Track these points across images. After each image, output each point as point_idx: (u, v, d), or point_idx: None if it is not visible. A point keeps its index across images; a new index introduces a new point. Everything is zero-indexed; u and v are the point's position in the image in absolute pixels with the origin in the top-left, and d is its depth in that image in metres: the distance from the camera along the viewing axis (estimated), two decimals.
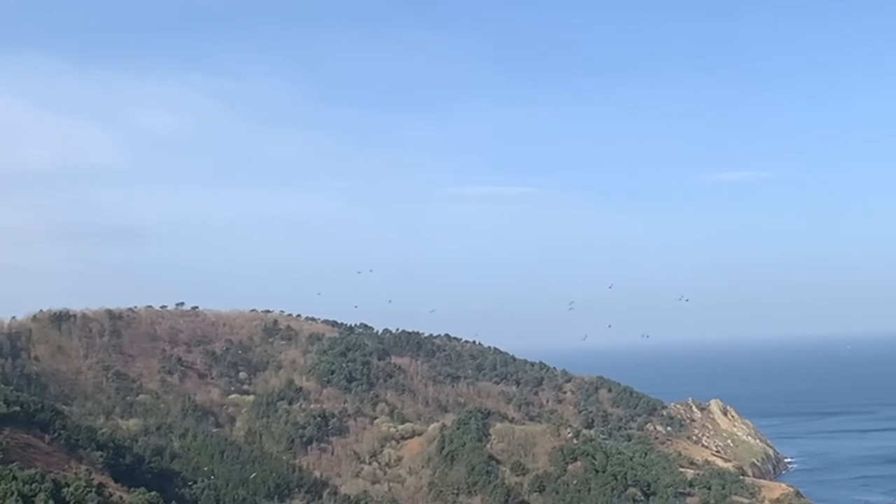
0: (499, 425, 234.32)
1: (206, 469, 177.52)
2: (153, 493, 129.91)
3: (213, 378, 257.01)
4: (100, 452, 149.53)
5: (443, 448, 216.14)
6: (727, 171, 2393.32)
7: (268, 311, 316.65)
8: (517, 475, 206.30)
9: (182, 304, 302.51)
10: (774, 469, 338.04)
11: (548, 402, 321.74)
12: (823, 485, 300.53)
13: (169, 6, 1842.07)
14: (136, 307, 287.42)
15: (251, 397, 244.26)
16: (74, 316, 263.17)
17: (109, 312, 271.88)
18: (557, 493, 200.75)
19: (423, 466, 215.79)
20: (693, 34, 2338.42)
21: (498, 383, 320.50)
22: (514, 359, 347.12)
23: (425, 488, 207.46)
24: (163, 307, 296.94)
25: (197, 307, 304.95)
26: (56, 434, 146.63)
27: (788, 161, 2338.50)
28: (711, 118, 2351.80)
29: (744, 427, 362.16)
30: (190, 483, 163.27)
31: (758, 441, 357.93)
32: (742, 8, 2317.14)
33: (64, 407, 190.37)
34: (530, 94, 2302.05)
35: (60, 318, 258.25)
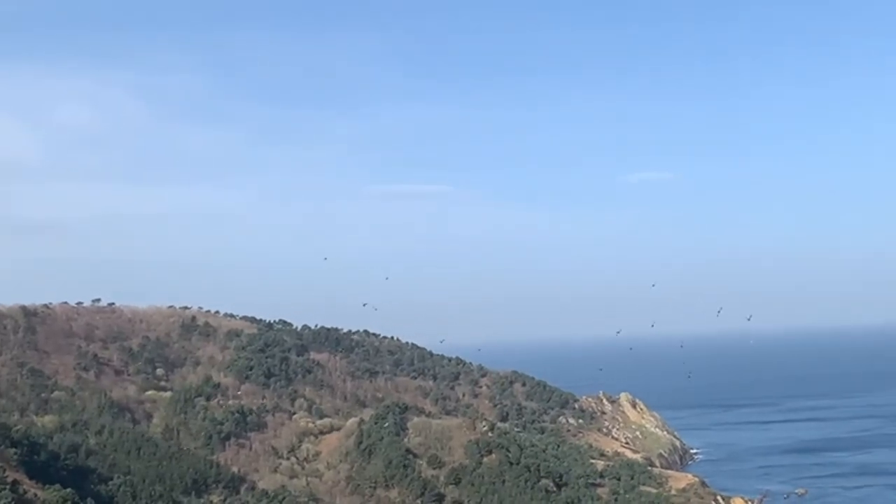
0: (416, 420, 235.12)
1: (122, 466, 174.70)
2: (69, 490, 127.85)
3: (129, 375, 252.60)
4: (14, 450, 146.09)
5: (360, 442, 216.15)
6: (635, 172, 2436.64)
7: (186, 308, 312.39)
8: (434, 468, 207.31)
9: (98, 300, 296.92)
10: (681, 460, 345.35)
11: (464, 396, 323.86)
12: (727, 474, 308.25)
13: (84, 3, 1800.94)
14: (51, 304, 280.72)
15: (168, 394, 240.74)
16: None
17: (24, 309, 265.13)
18: (473, 485, 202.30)
19: (340, 461, 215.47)
20: (604, 39, 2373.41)
21: (415, 378, 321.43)
22: (431, 354, 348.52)
23: (343, 482, 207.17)
24: (79, 304, 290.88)
25: (113, 304, 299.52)
26: None
27: (688, 163, 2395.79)
28: (619, 121, 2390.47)
29: (652, 419, 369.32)
30: (106, 480, 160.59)
31: (665, 433, 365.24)
32: (646, 15, 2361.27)
33: None
34: (448, 95, 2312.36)
35: None
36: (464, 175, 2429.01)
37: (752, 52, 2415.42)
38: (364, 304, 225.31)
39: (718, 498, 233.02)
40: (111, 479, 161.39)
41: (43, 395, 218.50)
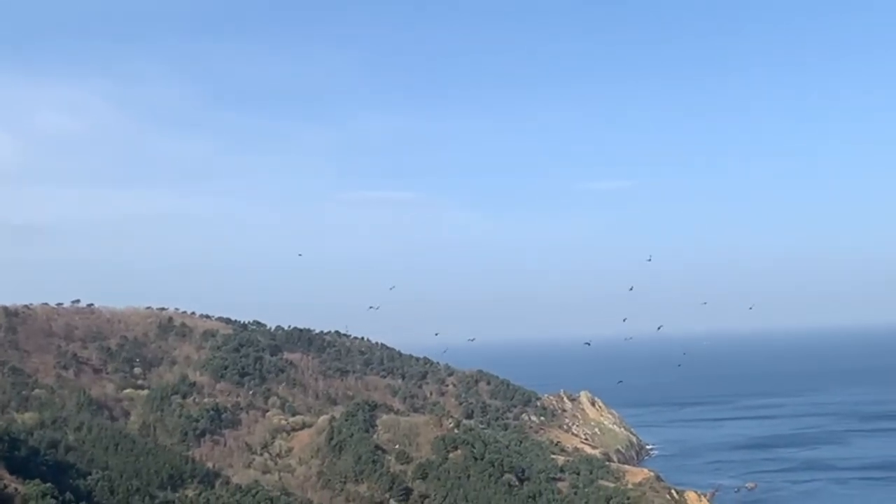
0: (385, 417, 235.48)
1: (100, 461, 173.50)
2: (48, 485, 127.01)
3: (108, 373, 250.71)
4: None
5: (331, 439, 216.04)
6: (598, 180, 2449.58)
7: (163, 309, 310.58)
8: (402, 463, 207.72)
9: (78, 301, 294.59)
10: (637, 455, 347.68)
11: (431, 394, 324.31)
12: (681, 469, 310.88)
13: (67, 13, 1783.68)
14: (31, 304, 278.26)
15: (146, 392, 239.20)
16: None
17: (5, 309, 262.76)
18: (439, 479, 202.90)
19: (312, 456, 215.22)
20: (567, 53, 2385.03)
21: (385, 377, 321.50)
22: (400, 354, 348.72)
23: (314, 477, 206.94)
24: (59, 304, 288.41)
25: (93, 304, 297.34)
26: None
27: (648, 172, 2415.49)
28: (585, 130, 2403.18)
29: (610, 416, 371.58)
30: (85, 475, 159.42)
31: (622, 429, 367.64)
32: (608, 30, 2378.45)
33: None
34: (418, 106, 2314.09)
35: None
36: (433, 182, 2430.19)
37: (718, 63, 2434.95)
38: (371, 307, 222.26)
39: (672, 492, 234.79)
40: (90, 473, 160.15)
41: (23, 392, 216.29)
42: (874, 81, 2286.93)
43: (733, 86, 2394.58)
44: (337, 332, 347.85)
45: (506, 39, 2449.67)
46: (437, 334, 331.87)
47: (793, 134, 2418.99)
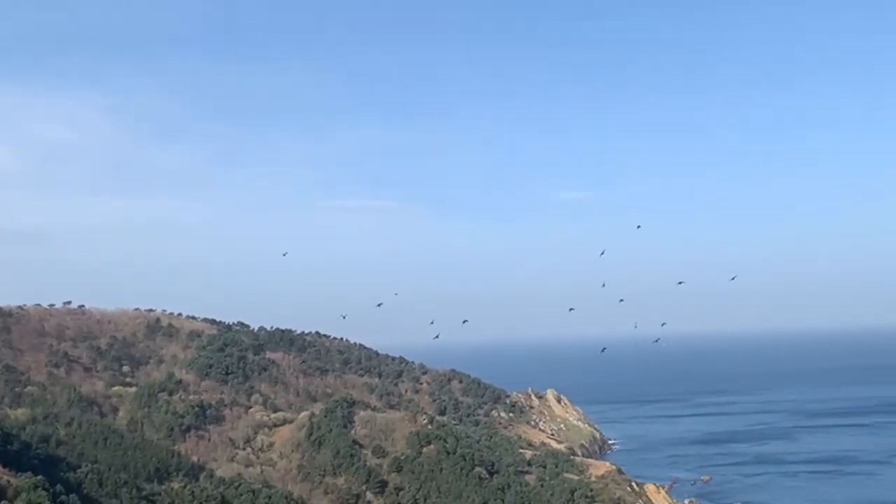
0: (362, 413, 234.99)
1: (90, 455, 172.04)
2: (39, 478, 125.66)
3: (97, 371, 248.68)
4: None
5: (311, 434, 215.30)
6: (565, 190, 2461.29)
7: (151, 310, 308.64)
8: (378, 458, 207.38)
9: (69, 302, 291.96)
10: (600, 450, 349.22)
11: (406, 392, 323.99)
12: (640, 463, 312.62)
13: (64, 28, 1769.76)
14: (25, 305, 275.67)
15: (134, 389, 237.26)
16: None
17: (0, 310, 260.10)
18: (413, 472, 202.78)
19: (293, 451, 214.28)
20: (536, 72, 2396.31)
21: (362, 376, 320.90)
22: (377, 354, 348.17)
23: (294, 470, 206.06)
24: (51, 305, 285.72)
25: (83, 306, 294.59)
26: None
27: (609, 183, 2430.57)
28: (553, 145, 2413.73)
29: (575, 413, 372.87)
30: (75, 468, 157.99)
31: (586, 425, 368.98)
32: (571, 52, 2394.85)
33: None
34: (396, 119, 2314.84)
35: None
36: (410, 192, 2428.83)
37: (676, 82, 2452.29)
38: (379, 304, 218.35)
39: (633, 484, 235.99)
40: (79, 467, 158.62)
41: (16, 389, 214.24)
42: (817, 101, 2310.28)
43: (689, 105, 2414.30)
44: (317, 332, 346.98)
45: (476, 58, 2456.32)
46: (432, 322, 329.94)
47: (743, 149, 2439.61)
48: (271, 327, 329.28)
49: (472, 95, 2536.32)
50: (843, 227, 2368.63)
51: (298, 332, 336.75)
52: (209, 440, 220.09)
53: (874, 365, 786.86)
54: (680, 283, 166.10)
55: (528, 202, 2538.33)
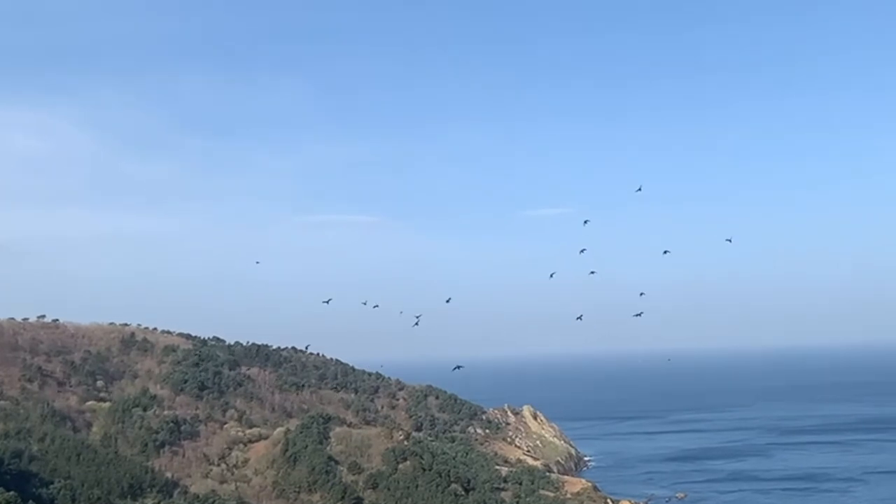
0: (338, 429, 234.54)
1: (63, 471, 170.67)
2: (12, 493, 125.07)
3: (71, 386, 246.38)
4: None
5: (286, 450, 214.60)
6: (539, 208, 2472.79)
7: (125, 324, 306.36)
8: (353, 474, 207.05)
9: (43, 316, 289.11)
10: (576, 466, 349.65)
11: (383, 408, 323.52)
12: (616, 480, 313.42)
13: (40, 41, 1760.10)
14: None
15: (107, 404, 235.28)
16: None
17: None
18: (389, 489, 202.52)
19: (267, 467, 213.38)
20: (507, 94, 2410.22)
21: (338, 391, 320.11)
22: (353, 369, 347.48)
23: (269, 487, 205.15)
24: (25, 319, 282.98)
25: (58, 320, 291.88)
26: None
27: (582, 200, 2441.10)
28: (533, 160, 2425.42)
29: (551, 429, 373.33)
30: (47, 484, 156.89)
31: (562, 442, 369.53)
32: (543, 73, 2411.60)
33: None
34: (370, 135, 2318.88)
35: None
36: (387, 207, 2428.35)
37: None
38: (364, 303, 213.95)
39: (608, 501, 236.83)
40: (52, 483, 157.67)
41: None
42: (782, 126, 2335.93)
43: (656, 128, 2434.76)
44: (293, 347, 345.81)
45: (456, 73, 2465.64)
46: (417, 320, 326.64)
47: (712, 172, 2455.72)
48: (247, 342, 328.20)
49: (451, 110, 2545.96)
50: (817, 246, 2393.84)
51: (274, 347, 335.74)
52: (183, 456, 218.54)
53: (848, 382, 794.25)
54: (641, 294, 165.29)
55: (507, 218, 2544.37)
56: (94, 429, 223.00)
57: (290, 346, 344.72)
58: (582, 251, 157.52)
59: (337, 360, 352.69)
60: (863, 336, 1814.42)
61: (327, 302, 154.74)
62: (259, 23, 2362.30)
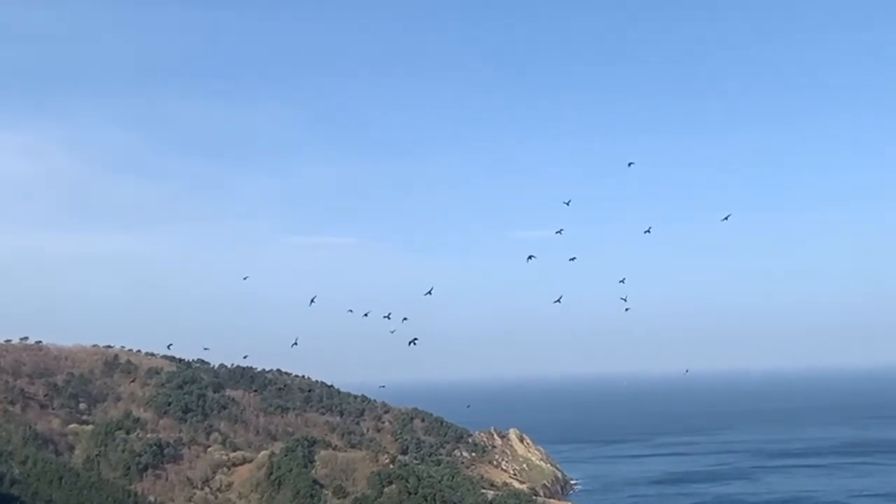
0: (323, 452, 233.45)
1: (45, 494, 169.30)
2: None
3: (54, 409, 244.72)
4: None
5: (271, 474, 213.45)
6: (525, 229, 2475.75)
7: (109, 346, 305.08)
8: (339, 498, 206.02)
9: (26, 338, 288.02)
10: (562, 489, 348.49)
11: (368, 431, 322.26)
12: (602, 503, 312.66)
13: (23, 61, 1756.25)
14: None
15: (90, 427, 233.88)
16: None
17: None
18: None
19: (252, 491, 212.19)
20: (492, 112, 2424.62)
21: (323, 414, 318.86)
22: (338, 392, 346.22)
23: None
24: (7, 341, 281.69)
25: (41, 342, 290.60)
26: None
27: (574, 223, 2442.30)
28: (517, 183, 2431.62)
29: (537, 452, 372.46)
30: None
31: (549, 465, 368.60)
32: (521, 98, 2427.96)
33: None
34: (357, 156, 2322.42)
35: None
36: (374, 228, 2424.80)
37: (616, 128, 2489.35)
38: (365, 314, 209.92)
39: None
40: None
41: None
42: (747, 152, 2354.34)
43: (660, 143, 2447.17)
44: (278, 370, 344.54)
45: (439, 94, 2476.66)
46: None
47: (689, 198, 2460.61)
48: (232, 364, 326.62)
49: (436, 132, 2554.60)
50: (803, 269, 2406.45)
51: (259, 369, 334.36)
52: (167, 479, 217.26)
53: (832, 406, 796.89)
54: (626, 307, 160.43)
55: (491, 239, 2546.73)
56: (77, 452, 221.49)
57: (275, 369, 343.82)
58: (572, 259, 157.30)
59: (322, 382, 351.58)
60: (847, 359, 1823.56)
61: (312, 302, 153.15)
62: (246, 44, 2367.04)
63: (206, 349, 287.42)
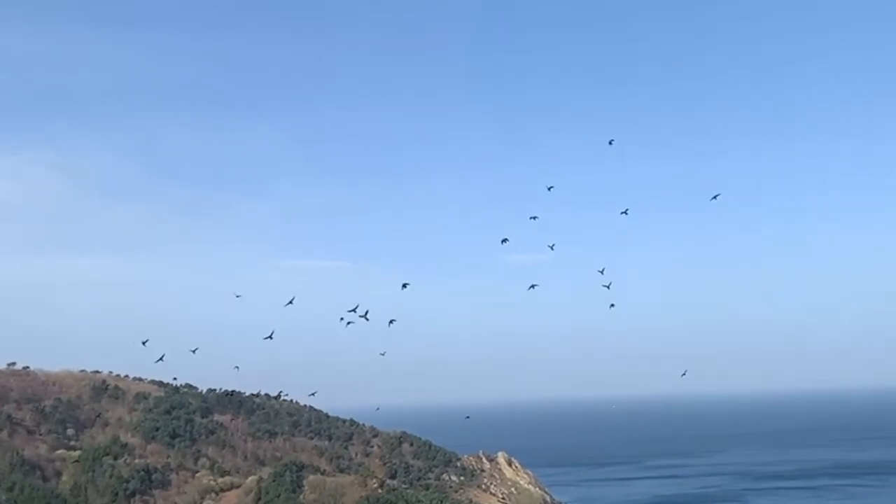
0: (311, 477, 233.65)
1: None
2: None
3: (41, 434, 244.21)
4: None
5: (259, 499, 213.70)
6: (516, 253, 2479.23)
7: (97, 372, 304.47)
8: None
9: (13, 363, 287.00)
10: None
11: (357, 455, 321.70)
12: None
13: (9, 84, 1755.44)
14: None
15: (78, 452, 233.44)
16: None
17: None
18: None
19: None
20: (481, 140, 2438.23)
21: (312, 438, 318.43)
22: (327, 416, 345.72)
23: None
24: None
25: (28, 367, 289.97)
26: None
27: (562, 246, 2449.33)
28: (507, 206, 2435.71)
29: (526, 476, 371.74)
30: None
31: (537, 489, 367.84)
32: (515, 121, 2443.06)
33: None
34: (345, 180, 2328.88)
35: None
36: (364, 251, 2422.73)
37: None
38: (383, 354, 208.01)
39: None
40: None
41: None
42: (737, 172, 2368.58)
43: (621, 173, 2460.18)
44: (266, 394, 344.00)
45: (431, 119, 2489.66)
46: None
47: (681, 219, 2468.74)
48: (219, 389, 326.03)
49: (425, 155, 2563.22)
50: (792, 288, 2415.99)
51: (247, 394, 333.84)
52: None
53: (820, 427, 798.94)
54: (600, 269, 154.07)
55: (483, 263, 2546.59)
56: (64, 478, 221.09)
57: (263, 393, 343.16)
58: (532, 286, 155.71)
59: (310, 406, 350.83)
60: (836, 382, 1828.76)
61: (269, 337, 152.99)
62: (235, 70, 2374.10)
63: (193, 351, 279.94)
